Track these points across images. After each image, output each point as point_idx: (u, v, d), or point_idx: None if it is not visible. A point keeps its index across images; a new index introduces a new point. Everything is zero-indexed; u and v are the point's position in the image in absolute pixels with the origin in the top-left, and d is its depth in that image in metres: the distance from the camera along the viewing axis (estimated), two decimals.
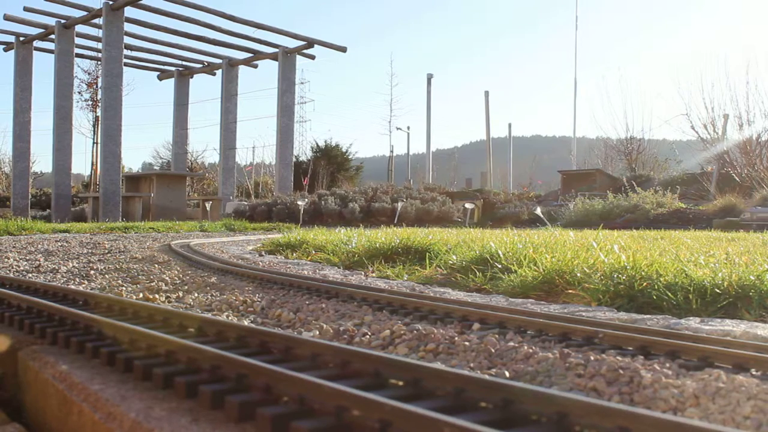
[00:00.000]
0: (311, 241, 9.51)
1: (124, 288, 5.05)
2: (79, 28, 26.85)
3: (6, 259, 7.75)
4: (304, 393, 1.72)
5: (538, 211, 19.06)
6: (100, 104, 28.23)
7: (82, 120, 40.01)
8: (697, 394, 2.02)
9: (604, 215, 19.13)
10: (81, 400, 2.07)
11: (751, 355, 2.37)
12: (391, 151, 43.70)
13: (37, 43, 28.53)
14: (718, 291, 3.90)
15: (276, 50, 29.60)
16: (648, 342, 2.67)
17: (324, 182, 36.88)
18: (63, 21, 26.04)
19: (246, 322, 3.46)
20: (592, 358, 2.46)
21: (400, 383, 1.88)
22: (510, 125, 46.58)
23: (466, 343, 2.81)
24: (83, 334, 2.69)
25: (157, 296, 4.54)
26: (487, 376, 1.77)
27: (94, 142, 38.00)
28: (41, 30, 26.95)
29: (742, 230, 12.82)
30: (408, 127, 46.83)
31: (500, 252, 5.77)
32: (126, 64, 27.52)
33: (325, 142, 43.10)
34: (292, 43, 29.50)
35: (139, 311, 3.10)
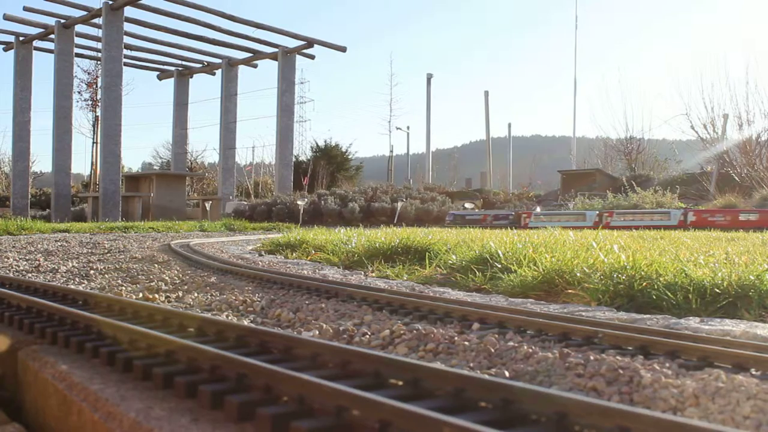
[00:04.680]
0: (311, 241, 9.51)
1: (123, 288, 5.05)
2: (79, 27, 26.86)
3: (6, 259, 7.74)
4: (304, 393, 1.72)
5: (538, 210, 19.09)
6: (100, 104, 28.23)
7: (82, 120, 39.99)
8: (696, 394, 2.02)
9: None
10: (81, 400, 2.07)
11: (750, 355, 2.37)
12: (391, 151, 43.70)
13: (37, 43, 28.55)
14: (717, 291, 3.89)
15: (276, 50, 29.61)
16: (648, 342, 2.67)
17: (324, 182, 36.86)
18: (63, 21, 26.05)
19: (246, 322, 3.46)
20: (591, 357, 2.46)
21: (400, 383, 1.88)
22: (510, 125, 46.64)
23: (466, 343, 2.81)
24: (83, 333, 2.69)
25: (156, 296, 4.54)
26: (486, 376, 1.77)
27: (94, 142, 38.01)
28: (41, 30, 26.95)
29: (448, 227, 15.76)
30: (408, 127, 46.84)
31: (500, 252, 5.76)
32: (126, 64, 27.53)
33: (325, 141, 43.11)
34: (292, 43, 29.51)
35: (138, 311, 3.09)
